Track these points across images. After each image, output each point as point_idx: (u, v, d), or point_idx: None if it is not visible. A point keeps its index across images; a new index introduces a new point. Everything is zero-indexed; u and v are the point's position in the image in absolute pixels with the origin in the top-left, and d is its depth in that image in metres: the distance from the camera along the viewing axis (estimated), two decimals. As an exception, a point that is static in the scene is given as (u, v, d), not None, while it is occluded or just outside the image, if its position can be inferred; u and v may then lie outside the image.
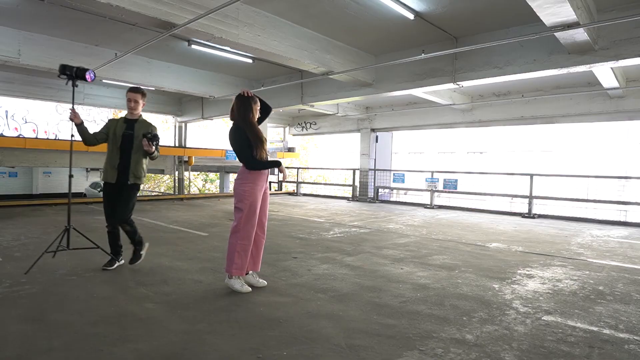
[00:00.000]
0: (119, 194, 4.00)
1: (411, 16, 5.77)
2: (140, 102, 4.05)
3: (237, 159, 3.60)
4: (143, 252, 4.26)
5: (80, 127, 3.90)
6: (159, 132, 4.08)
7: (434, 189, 11.51)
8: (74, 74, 4.01)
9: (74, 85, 4.03)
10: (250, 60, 8.37)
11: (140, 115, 4.14)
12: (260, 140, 3.49)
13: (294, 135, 17.46)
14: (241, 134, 3.49)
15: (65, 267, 4.16)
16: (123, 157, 3.97)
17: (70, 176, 4.18)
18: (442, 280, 3.96)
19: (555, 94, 9.76)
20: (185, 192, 15.50)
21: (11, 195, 21.08)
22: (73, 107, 3.92)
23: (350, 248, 5.44)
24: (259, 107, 3.68)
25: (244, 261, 3.50)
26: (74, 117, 3.86)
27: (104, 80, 9.22)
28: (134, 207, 4.11)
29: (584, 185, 16.46)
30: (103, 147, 4.11)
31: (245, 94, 3.56)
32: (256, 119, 3.62)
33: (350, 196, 13.83)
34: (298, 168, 16.78)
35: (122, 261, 4.22)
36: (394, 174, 13.33)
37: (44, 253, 3.93)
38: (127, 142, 3.97)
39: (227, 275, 3.53)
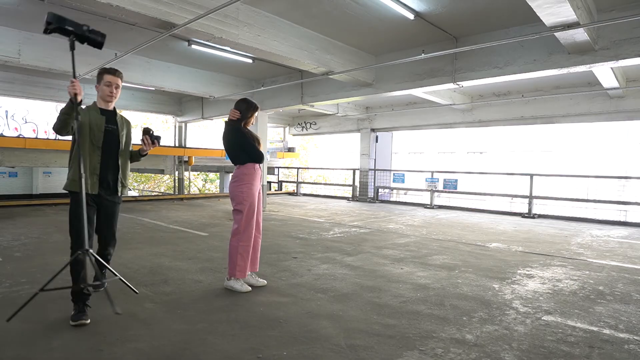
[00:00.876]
0: (104, 209, 3.05)
1: (411, 16, 5.77)
2: (120, 88, 3.14)
3: (236, 160, 3.63)
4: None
5: (76, 107, 2.78)
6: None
7: (434, 189, 11.51)
8: (85, 34, 2.95)
9: (72, 49, 2.92)
10: (250, 60, 8.36)
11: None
12: (255, 140, 3.66)
13: (294, 135, 17.46)
14: (240, 134, 3.56)
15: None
16: (106, 161, 2.99)
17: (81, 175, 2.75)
18: (442, 280, 3.96)
19: (555, 94, 9.76)
20: (185, 192, 15.50)
21: (11, 195, 21.07)
22: (75, 75, 2.83)
23: (350, 248, 5.44)
24: (256, 114, 3.76)
25: (246, 262, 3.53)
26: (79, 91, 2.76)
27: (104, 80, 9.22)
28: None
29: (584, 185, 16.47)
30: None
31: (236, 116, 3.63)
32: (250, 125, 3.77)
33: (350, 196, 13.82)
34: (298, 168, 16.77)
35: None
36: (394, 174, 13.33)
37: (39, 291, 2.67)
38: (111, 140, 3.03)
39: (227, 277, 3.54)
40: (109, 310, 2.99)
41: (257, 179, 3.61)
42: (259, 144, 3.66)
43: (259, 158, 3.59)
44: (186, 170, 15.33)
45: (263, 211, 9.61)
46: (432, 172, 11.91)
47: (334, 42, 7.27)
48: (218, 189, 24.34)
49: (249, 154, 3.56)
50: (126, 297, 3.27)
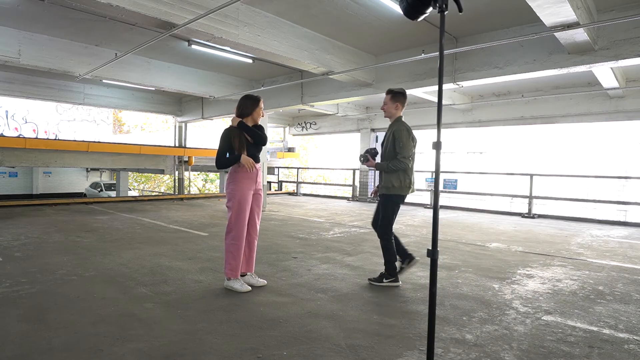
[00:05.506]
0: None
1: (411, 16, 5.77)
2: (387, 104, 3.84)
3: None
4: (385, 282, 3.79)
5: None
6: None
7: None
8: None
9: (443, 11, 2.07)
10: (250, 60, 8.36)
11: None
12: (240, 143, 3.63)
13: (294, 135, 17.45)
14: (230, 136, 3.59)
15: (66, 267, 4.16)
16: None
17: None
18: (442, 280, 3.96)
19: (555, 94, 9.76)
20: (185, 192, 15.50)
21: (11, 195, 21.10)
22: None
23: (350, 248, 5.44)
24: (260, 105, 3.69)
25: (238, 261, 3.51)
26: None
27: (104, 81, 9.23)
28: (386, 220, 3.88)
29: (584, 185, 16.47)
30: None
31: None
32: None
33: (350, 196, 13.82)
34: (298, 168, 16.77)
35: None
36: (394, 174, 13.30)
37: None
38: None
39: (226, 277, 3.54)
40: (109, 310, 2.99)
41: (251, 179, 3.56)
42: (242, 147, 3.50)
43: (216, 163, 3.54)
44: (186, 170, 15.33)
45: (263, 211, 9.59)
46: (432, 172, 11.91)
47: (334, 42, 7.28)
48: (218, 189, 24.35)
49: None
50: (126, 297, 3.27)
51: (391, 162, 3.69)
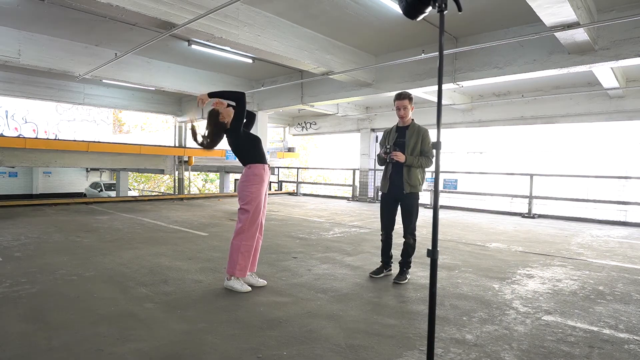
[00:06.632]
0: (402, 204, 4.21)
1: (411, 16, 5.77)
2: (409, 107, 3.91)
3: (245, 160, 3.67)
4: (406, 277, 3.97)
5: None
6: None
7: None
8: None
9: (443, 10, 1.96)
10: (250, 60, 8.37)
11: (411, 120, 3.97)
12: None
13: (294, 135, 17.46)
14: (245, 135, 3.66)
15: (66, 267, 4.16)
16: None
17: None
18: (442, 280, 3.96)
19: (555, 94, 9.76)
20: (185, 192, 15.50)
21: (11, 195, 21.10)
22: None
23: (350, 248, 5.43)
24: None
25: (247, 262, 3.52)
26: None
27: (104, 80, 9.23)
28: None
29: (584, 185, 16.47)
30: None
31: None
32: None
33: (350, 196, 13.83)
34: (298, 168, 16.78)
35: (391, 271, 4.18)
36: (394, 174, 13.31)
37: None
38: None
39: (227, 277, 3.54)
40: (109, 310, 2.99)
41: (266, 179, 3.64)
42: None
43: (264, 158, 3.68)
44: (186, 170, 15.33)
45: (263, 211, 9.56)
46: (432, 172, 11.91)
47: (334, 42, 7.28)
48: (218, 189, 24.34)
49: (260, 155, 3.63)
50: (126, 297, 3.27)
51: (422, 160, 3.83)
